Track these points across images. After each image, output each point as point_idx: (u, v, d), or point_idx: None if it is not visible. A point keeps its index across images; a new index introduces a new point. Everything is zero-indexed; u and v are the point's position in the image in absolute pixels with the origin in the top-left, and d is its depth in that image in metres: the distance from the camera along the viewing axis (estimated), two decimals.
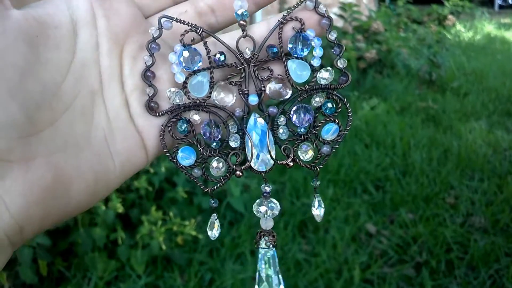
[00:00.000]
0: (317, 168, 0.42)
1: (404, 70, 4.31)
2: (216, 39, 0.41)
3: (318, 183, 0.45)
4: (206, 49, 0.40)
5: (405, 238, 2.11)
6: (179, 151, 0.40)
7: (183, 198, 1.98)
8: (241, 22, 0.41)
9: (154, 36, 0.39)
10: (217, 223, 0.44)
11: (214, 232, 0.44)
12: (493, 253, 1.98)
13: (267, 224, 0.43)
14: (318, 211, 0.45)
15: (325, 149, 0.42)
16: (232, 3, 0.41)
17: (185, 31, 0.40)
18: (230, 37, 0.42)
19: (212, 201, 0.43)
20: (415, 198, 2.40)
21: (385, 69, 4.31)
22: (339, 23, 4.55)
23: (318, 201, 0.45)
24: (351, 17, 4.34)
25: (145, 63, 0.39)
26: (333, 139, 0.42)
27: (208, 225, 0.44)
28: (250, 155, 0.40)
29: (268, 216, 0.43)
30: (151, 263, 1.82)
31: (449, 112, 3.63)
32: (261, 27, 0.42)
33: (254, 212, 0.43)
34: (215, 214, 0.44)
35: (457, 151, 2.92)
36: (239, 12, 0.41)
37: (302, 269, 1.89)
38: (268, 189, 0.43)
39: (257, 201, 0.44)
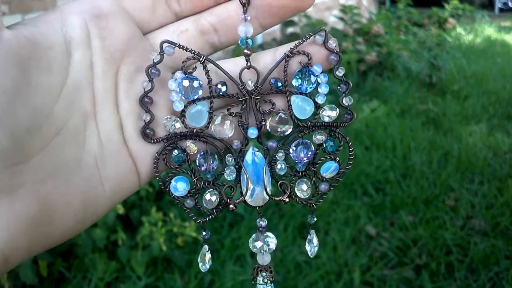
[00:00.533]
0: (313, 205, 0.41)
1: (405, 73, 4.31)
2: (219, 68, 0.39)
3: (314, 219, 0.44)
4: (207, 78, 0.39)
5: (405, 240, 2.11)
6: (172, 181, 0.39)
7: None
8: (246, 51, 0.39)
9: (155, 61, 0.38)
10: (208, 255, 0.43)
11: (206, 265, 0.43)
12: (493, 256, 1.98)
13: (263, 259, 0.42)
14: (309, 248, 0.44)
15: (323, 186, 0.41)
16: (236, 23, 0.39)
17: (187, 58, 0.38)
18: (234, 64, 0.40)
19: (204, 233, 0.42)
20: (415, 200, 2.40)
21: (386, 72, 4.31)
22: (339, 25, 4.56)
23: (311, 239, 0.44)
24: (352, 20, 4.35)
25: (144, 88, 0.38)
26: (332, 177, 0.41)
27: (199, 257, 0.43)
28: (245, 190, 0.39)
29: (265, 251, 0.42)
30: (152, 264, 1.82)
31: (449, 115, 3.63)
32: (267, 57, 0.41)
33: (250, 247, 0.42)
34: (206, 246, 0.43)
35: (457, 154, 2.92)
36: (244, 37, 0.39)
37: (302, 271, 1.89)
38: (263, 223, 0.42)
39: (253, 236, 0.43)
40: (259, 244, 0.42)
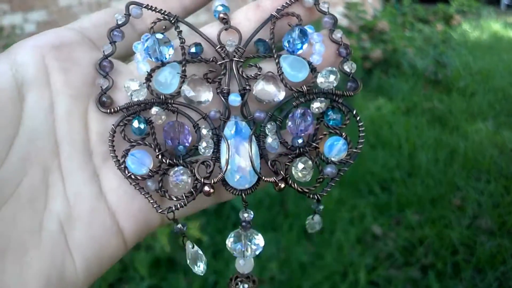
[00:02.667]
0: (317, 197, 0.33)
1: (410, 70, 4.28)
2: (193, 29, 0.34)
3: (321, 207, 0.35)
4: (179, 39, 0.33)
5: (411, 240, 2.09)
6: (128, 155, 0.32)
7: None
8: (222, 15, 0.34)
9: (119, 23, 0.33)
10: (198, 252, 0.34)
11: (198, 267, 0.34)
12: (499, 256, 1.96)
13: (245, 266, 0.33)
14: (309, 223, 0.35)
15: (329, 170, 0.33)
16: None
17: (157, 19, 0.33)
18: (210, 26, 0.35)
19: (179, 226, 0.33)
20: (421, 199, 2.38)
21: (391, 69, 4.28)
22: (344, 22, 4.53)
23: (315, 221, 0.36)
24: (356, 17, 4.32)
25: (103, 51, 0.32)
26: (341, 160, 0.33)
27: (188, 259, 0.34)
28: (224, 164, 0.31)
29: (248, 255, 0.33)
30: (155, 265, 1.82)
31: (455, 112, 3.61)
32: (248, 14, 0.34)
33: (228, 249, 0.33)
34: (189, 242, 0.34)
35: (463, 152, 2.89)
36: (219, 9, 0.34)
37: (307, 271, 1.88)
38: (248, 216, 0.34)
39: (232, 234, 0.34)
40: (242, 245, 0.33)
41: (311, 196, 0.33)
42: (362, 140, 0.33)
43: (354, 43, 3.97)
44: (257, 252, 0.33)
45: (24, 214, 0.27)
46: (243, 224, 0.33)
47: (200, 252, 0.34)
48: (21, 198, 0.27)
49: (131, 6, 0.33)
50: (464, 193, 2.46)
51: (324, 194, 0.33)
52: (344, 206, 2.31)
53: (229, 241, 0.33)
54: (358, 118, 0.33)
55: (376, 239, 2.12)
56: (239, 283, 0.33)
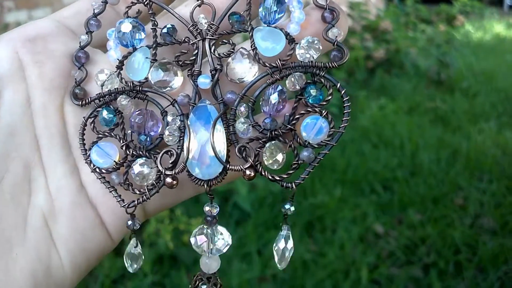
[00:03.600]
0: (291, 185, 0.29)
1: (413, 70, 4.28)
2: (164, 8, 0.32)
3: (291, 208, 0.30)
4: (151, 21, 0.31)
5: (413, 239, 2.09)
6: (93, 147, 0.30)
7: None
8: None
9: (96, 11, 0.31)
10: (139, 250, 0.32)
11: (134, 266, 0.32)
12: (501, 255, 1.96)
13: (210, 265, 0.31)
14: (281, 247, 0.32)
15: (305, 154, 0.29)
16: None
17: (132, 2, 0.32)
18: (184, 6, 0.33)
19: (130, 222, 0.31)
20: (423, 199, 2.38)
21: (394, 69, 4.28)
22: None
23: (285, 234, 0.32)
24: (359, 16, 4.32)
25: (79, 43, 0.31)
26: (320, 142, 0.29)
27: (126, 254, 0.32)
28: (185, 153, 0.29)
29: (213, 252, 0.31)
30: (158, 262, 1.82)
31: (458, 112, 3.60)
32: None
33: (192, 245, 0.31)
34: (135, 239, 0.33)
35: (466, 152, 2.89)
36: None
37: (309, 269, 1.88)
38: (213, 210, 0.31)
39: (196, 229, 0.32)
40: (203, 240, 0.30)
41: (283, 185, 0.29)
42: (347, 118, 0.29)
43: (357, 42, 3.97)
44: (224, 250, 0.31)
45: (8, 210, 0.27)
46: (208, 219, 0.31)
47: (140, 252, 0.32)
48: (4, 195, 0.27)
49: None
50: (466, 192, 2.46)
51: (300, 182, 0.29)
52: (347, 205, 2.31)
53: (193, 239, 0.31)
54: (343, 92, 0.29)
55: (378, 238, 2.12)
56: (199, 284, 0.31)
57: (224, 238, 0.31)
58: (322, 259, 1.92)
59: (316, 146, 0.29)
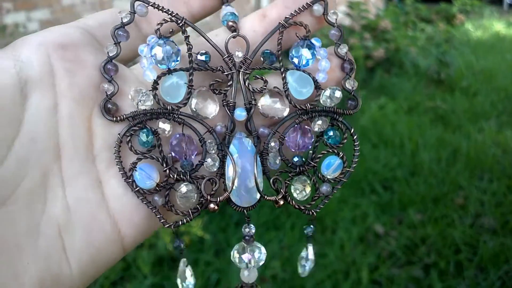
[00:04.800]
0: (313, 213, 0.34)
1: (412, 69, 4.28)
2: (201, 34, 0.32)
3: (312, 231, 0.36)
4: (187, 44, 0.32)
5: (413, 239, 2.09)
6: (137, 168, 0.31)
7: None
8: (230, 23, 0.33)
9: (124, 21, 0.31)
10: (189, 271, 0.35)
11: (188, 282, 0.35)
12: (502, 254, 1.96)
13: (250, 276, 0.35)
14: (301, 267, 0.37)
15: (325, 188, 0.34)
16: None
17: (164, 19, 0.32)
18: (215, 35, 0.34)
19: (178, 241, 0.33)
20: (424, 198, 2.38)
21: (393, 68, 4.28)
22: (346, 21, 4.53)
23: (305, 256, 0.37)
24: (359, 16, 4.32)
25: (107, 53, 0.31)
26: (335, 177, 0.34)
27: (178, 275, 0.35)
28: (230, 184, 0.31)
29: (253, 266, 0.34)
30: (157, 263, 1.82)
31: (458, 112, 3.60)
32: (254, 22, 0.33)
33: (233, 261, 0.34)
34: (185, 260, 0.35)
35: (466, 152, 2.89)
36: (226, 13, 0.33)
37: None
38: (250, 231, 0.34)
39: (236, 246, 0.35)
40: (246, 257, 0.34)
41: (306, 212, 0.34)
42: (356, 160, 0.34)
43: (356, 42, 3.97)
44: (260, 263, 0.34)
45: (22, 217, 0.27)
46: (246, 238, 0.34)
47: (191, 272, 0.35)
48: (19, 201, 0.27)
49: (136, 3, 0.31)
50: (467, 192, 2.46)
51: (318, 210, 0.34)
52: (347, 205, 2.30)
53: (235, 255, 0.34)
54: (355, 137, 0.34)
55: (378, 238, 2.11)
56: None
57: (261, 253, 0.35)
58: (322, 259, 1.92)
59: (332, 181, 0.34)
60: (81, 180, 0.29)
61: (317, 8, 0.33)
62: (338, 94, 0.34)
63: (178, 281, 0.35)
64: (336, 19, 0.34)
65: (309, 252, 0.37)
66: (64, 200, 0.28)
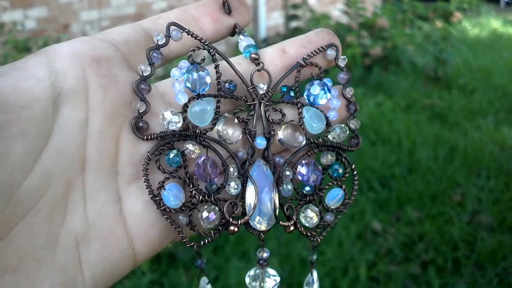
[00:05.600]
0: (317, 240, 0.37)
1: (410, 67, 4.28)
2: (230, 65, 0.34)
3: (315, 258, 0.39)
4: (216, 73, 0.34)
5: (411, 236, 2.09)
6: (166, 188, 0.32)
7: None
8: (253, 55, 0.35)
9: (159, 43, 0.33)
10: None
11: None
12: (500, 252, 1.97)
13: None
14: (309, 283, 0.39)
15: (329, 218, 0.37)
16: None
17: (197, 47, 0.34)
18: (237, 63, 0.36)
19: (199, 262, 0.35)
20: (421, 196, 2.38)
21: (391, 66, 4.28)
22: (343, 19, 4.53)
23: (310, 281, 0.40)
24: (356, 13, 4.32)
25: (141, 72, 0.32)
26: (337, 208, 0.37)
27: None
28: (252, 208, 0.33)
29: None
30: (156, 260, 1.82)
31: (455, 109, 3.61)
32: (274, 56, 0.36)
33: (247, 285, 0.37)
34: (205, 278, 0.36)
35: (463, 149, 2.90)
36: (246, 45, 0.36)
37: (307, 267, 1.88)
38: (265, 255, 0.36)
39: (251, 272, 0.37)
40: (258, 284, 0.36)
41: (311, 239, 0.37)
42: (355, 193, 0.38)
43: (354, 40, 3.97)
44: None
45: (41, 229, 0.26)
46: (261, 262, 0.36)
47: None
48: (40, 213, 0.26)
49: (171, 27, 0.33)
50: (464, 189, 2.47)
51: (321, 238, 0.37)
52: None
53: (249, 280, 0.36)
54: (355, 172, 0.37)
55: (376, 235, 2.12)
56: None
57: (275, 280, 0.36)
58: (321, 256, 1.92)
59: (335, 211, 0.37)
60: (102, 195, 0.29)
61: (331, 52, 0.38)
62: (346, 132, 0.37)
63: None
64: (345, 65, 0.38)
65: (314, 277, 0.40)
66: (84, 213, 0.28)
